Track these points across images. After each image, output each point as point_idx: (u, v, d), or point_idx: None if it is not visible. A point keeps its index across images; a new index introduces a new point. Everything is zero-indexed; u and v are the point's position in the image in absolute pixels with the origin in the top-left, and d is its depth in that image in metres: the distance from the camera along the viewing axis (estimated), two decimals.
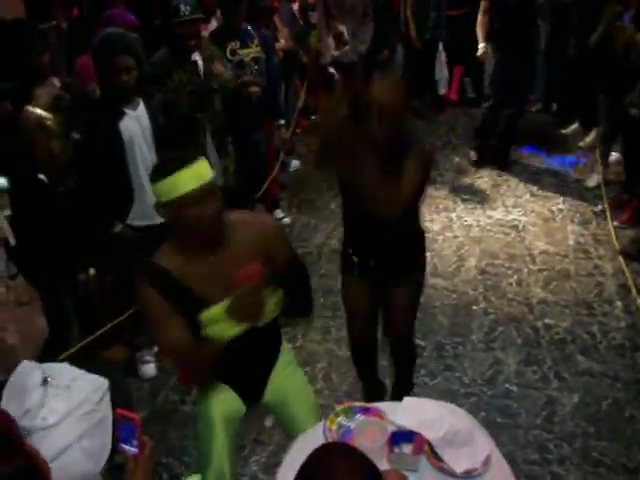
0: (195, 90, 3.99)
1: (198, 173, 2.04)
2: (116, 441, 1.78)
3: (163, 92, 3.70)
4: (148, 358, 3.93)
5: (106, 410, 2.06)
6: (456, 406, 2.23)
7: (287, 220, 5.61)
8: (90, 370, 2.22)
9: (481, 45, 6.29)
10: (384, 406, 2.15)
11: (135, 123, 3.38)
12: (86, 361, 3.31)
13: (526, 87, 6.41)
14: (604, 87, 5.59)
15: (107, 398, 2.10)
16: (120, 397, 2.23)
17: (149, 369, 3.92)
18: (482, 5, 6.21)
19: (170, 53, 3.97)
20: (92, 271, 3.81)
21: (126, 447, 1.71)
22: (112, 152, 3.32)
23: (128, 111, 3.36)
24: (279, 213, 5.63)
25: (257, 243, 2.19)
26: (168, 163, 2.07)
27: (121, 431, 1.73)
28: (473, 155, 6.67)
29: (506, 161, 6.58)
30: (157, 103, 3.52)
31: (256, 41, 4.71)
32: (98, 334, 3.55)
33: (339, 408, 2.20)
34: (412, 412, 2.00)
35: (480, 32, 6.26)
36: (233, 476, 2.42)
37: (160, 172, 2.06)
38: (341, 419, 2.12)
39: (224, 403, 2.45)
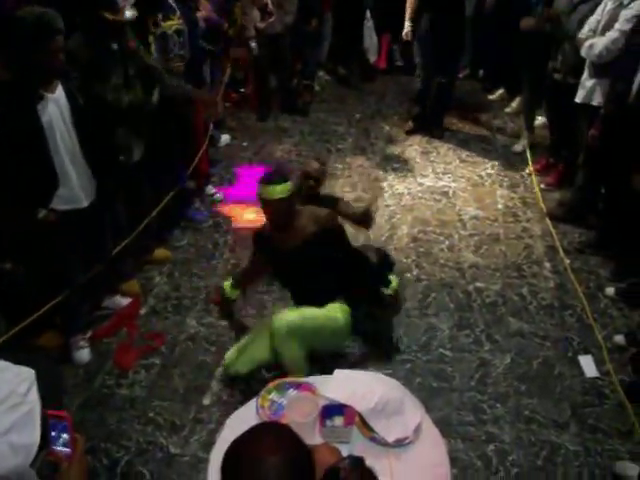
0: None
1: (281, 190, 3.06)
2: (47, 442, 1.75)
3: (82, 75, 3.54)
4: (82, 344, 3.85)
5: (33, 402, 2.01)
6: (385, 375, 2.26)
7: (219, 195, 5.54)
8: (17, 360, 2.17)
9: (407, 24, 6.19)
10: (315, 380, 2.16)
11: (54, 106, 3.26)
12: (14, 351, 3.22)
13: (457, 54, 6.40)
14: (528, 53, 5.66)
15: (34, 389, 2.06)
16: (48, 387, 2.18)
17: (83, 354, 3.84)
18: None
19: (87, 39, 3.74)
20: (8, 265, 3.69)
21: (58, 449, 1.68)
22: (31, 137, 3.19)
23: (46, 94, 3.24)
24: (210, 189, 5.56)
25: (311, 227, 3.21)
26: (271, 175, 3.12)
27: (53, 432, 1.70)
28: (409, 125, 6.69)
29: (440, 129, 6.63)
30: (74, 84, 3.39)
31: (178, 13, 4.60)
32: (25, 323, 3.44)
33: (271, 385, 2.21)
34: (343, 385, 2.02)
35: (408, 9, 6.16)
36: None
37: (264, 179, 3.10)
38: (273, 395, 2.12)
39: None
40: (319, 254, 3.21)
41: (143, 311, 4.24)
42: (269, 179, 3.09)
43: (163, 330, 4.08)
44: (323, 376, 2.12)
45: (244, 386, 3.57)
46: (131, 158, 4.00)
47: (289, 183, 3.13)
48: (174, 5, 4.58)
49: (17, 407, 1.94)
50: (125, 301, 4.24)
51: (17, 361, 2.17)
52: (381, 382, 2.10)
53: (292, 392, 2.13)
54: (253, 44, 6.42)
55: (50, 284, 3.64)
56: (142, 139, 4.07)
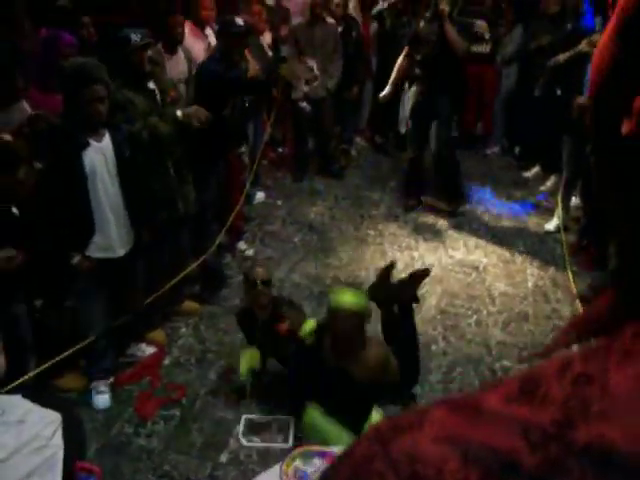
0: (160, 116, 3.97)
1: (357, 301, 3.01)
2: None
3: (128, 121, 3.67)
4: (103, 389, 3.86)
5: (57, 445, 2.01)
6: None
7: (250, 252, 5.59)
8: (43, 402, 2.18)
9: (388, 88, 6.22)
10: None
11: (99, 155, 3.35)
12: (40, 391, 3.23)
13: (447, 127, 6.36)
14: (568, 130, 5.72)
15: (59, 433, 2.06)
16: (72, 433, 2.18)
17: (103, 400, 3.84)
18: (405, 49, 6.13)
19: (127, 83, 3.90)
20: (39, 302, 3.74)
21: None
22: (74, 183, 3.28)
23: (92, 142, 3.33)
24: (242, 245, 5.62)
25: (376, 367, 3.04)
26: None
27: None
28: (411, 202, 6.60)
29: (454, 203, 6.53)
30: (123, 134, 3.50)
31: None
32: (51, 363, 3.47)
33: (296, 452, 2.18)
34: None
35: (394, 74, 6.20)
36: None
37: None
38: (297, 463, 2.09)
39: None
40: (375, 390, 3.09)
41: (167, 361, 4.24)
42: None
43: (185, 382, 4.07)
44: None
45: (262, 448, 3.54)
46: (175, 212, 4.07)
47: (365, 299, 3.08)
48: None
49: (41, 450, 1.94)
50: (150, 350, 4.25)
51: (43, 403, 2.17)
52: None
53: (317, 461, 2.10)
54: (303, 104, 6.57)
55: (78, 328, 3.68)
56: (187, 193, 4.16)
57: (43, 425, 2.03)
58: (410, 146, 6.43)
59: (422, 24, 5.90)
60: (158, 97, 4.05)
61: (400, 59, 6.17)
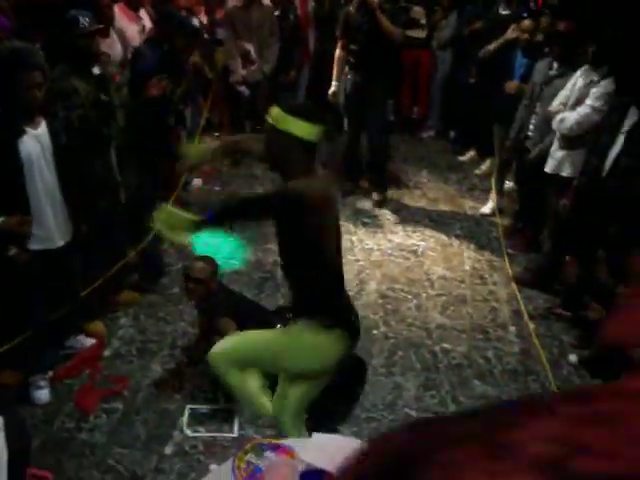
0: (102, 103, 3.86)
1: None
2: None
3: (68, 109, 3.55)
4: (42, 383, 3.75)
5: (0, 449, 1.95)
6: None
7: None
8: None
9: (334, 83, 6.20)
10: (294, 443, 2.14)
11: (35, 143, 3.23)
12: None
13: (383, 112, 6.37)
14: (500, 116, 5.84)
15: (1, 436, 2.00)
16: (16, 435, 2.12)
17: (43, 395, 3.74)
18: (339, 41, 6.12)
19: (71, 67, 3.80)
20: None
21: None
22: (9, 172, 3.16)
23: (28, 130, 3.21)
24: None
25: None
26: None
27: None
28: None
29: (382, 194, 6.54)
30: (60, 121, 3.38)
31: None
32: None
33: (248, 445, 2.17)
34: (322, 449, 2.00)
35: (335, 67, 6.18)
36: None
37: None
38: (250, 457, 2.09)
39: None
40: None
41: (107, 353, 4.16)
42: None
43: (127, 374, 4.00)
44: (302, 439, 2.10)
45: (208, 438, 3.52)
46: (117, 201, 3.98)
47: None
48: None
49: None
50: (89, 342, 4.16)
51: None
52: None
53: (269, 454, 2.10)
54: (242, 88, 6.49)
55: (14, 321, 3.56)
56: (129, 181, 4.07)
57: None
58: (347, 132, 6.44)
59: (351, 12, 5.88)
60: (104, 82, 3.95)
61: (337, 51, 6.15)
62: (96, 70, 3.94)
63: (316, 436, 2.07)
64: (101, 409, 3.72)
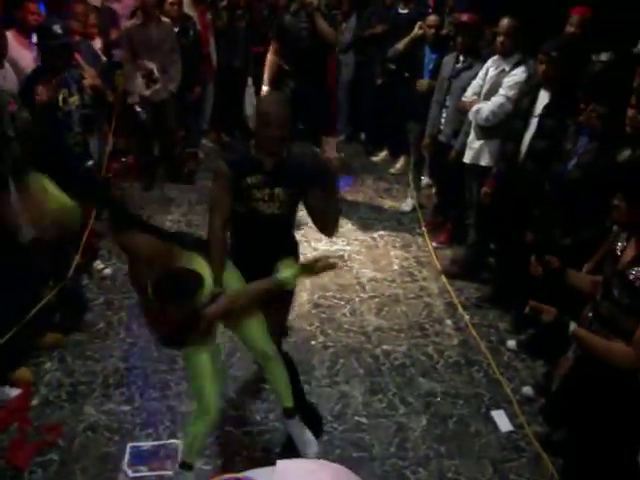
0: None
1: None
2: None
3: None
4: None
5: None
6: (331, 462, 2.14)
7: (108, 271, 5.26)
8: None
9: (265, 89, 6.08)
10: (256, 474, 2.00)
11: None
12: None
13: (321, 120, 6.33)
14: (413, 114, 5.86)
15: None
16: None
17: None
18: (272, 46, 6.05)
19: None
20: None
21: None
22: None
23: None
24: (99, 264, 5.28)
25: None
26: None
27: None
28: None
29: None
30: None
31: (75, 87, 4.42)
32: None
33: None
34: (287, 476, 1.88)
35: (267, 72, 6.07)
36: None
37: None
38: None
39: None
40: None
41: (35, 402, 3.88)
42: None
43: (59, 421, 3.74)
44: (264, 468, 1.98)
45: (153, 477, 3.34)
46: (19, 240, 3.72)
47: None
48: (69, 78, 4.40)
49: None
50: (14, 392, 3.88)
51: None
52: (327, 469, 1.97)
53: None
54: (139, 109, 6.27)
55: None
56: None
57: None
58: None
59: (288, 18, 5.80)
60: None
61: (269, 56, 6.04)
62: None
63: (280, 463, 1.94)
64: (36, 463, 3.46)
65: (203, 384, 3.00)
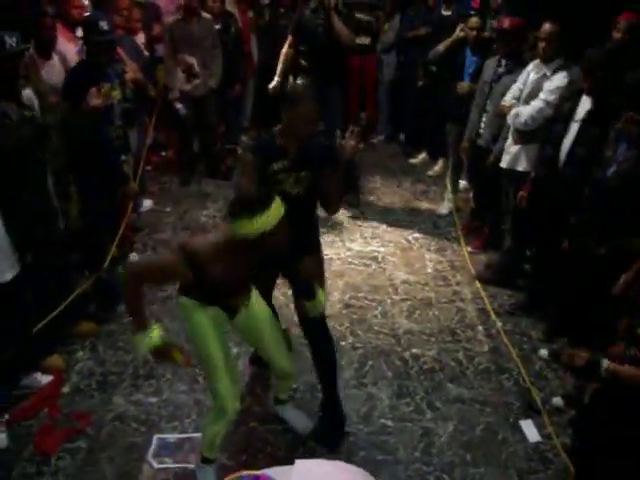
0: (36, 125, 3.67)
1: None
2: None
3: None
4: None
5: None
6: (349, 465, 2.13)
7: None
8: None
9: (276, 79, 6.08)
10: (275, 472, 2.01)
11: None
12: None
13: (338, 120, 6.14)
14: (453, 116, 5.81)
15: None
16: None
17: (0, 440, 3.53)
18: (289, 39, 6.03)
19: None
20: None
21: None
22: None
23: None
24: (134, 256, 5.35)
25: None
26: None
27: None
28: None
29: (355, 196, 6.52)
30: None
31: (117, 81, 4.47)
32: None
33: (227, 478, 2.04)
34: (305, 478, 1.88)
35: (280, 65, 6.07)
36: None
37: None
38: None
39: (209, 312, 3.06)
40: None
41: (66, 389, 3.95)
42: None
43: (88, 410, 3.80)
44: (283, 467, 1.98)
45: (179, 470, 3.36)
46: (55, 229, 3.79)
47: None
48: (111, 72, 4.44)
49: None
50: (45, 379, 3.94)
51: None
52: (346, 472, 1.97)
53: None
54: (179, 105, 6.33)
55: None
56: (69, 208, 3.89)
57: None
58: None
59: (307, 13, 5.81)
60: (36, 104, 3.75)
61: (285, 49, 6.05)
62: (27, 91, 3.75)
63: (299, 463, 1.94)
64: (64, 450, 3.52)
65: (218, 385, 3.05)
